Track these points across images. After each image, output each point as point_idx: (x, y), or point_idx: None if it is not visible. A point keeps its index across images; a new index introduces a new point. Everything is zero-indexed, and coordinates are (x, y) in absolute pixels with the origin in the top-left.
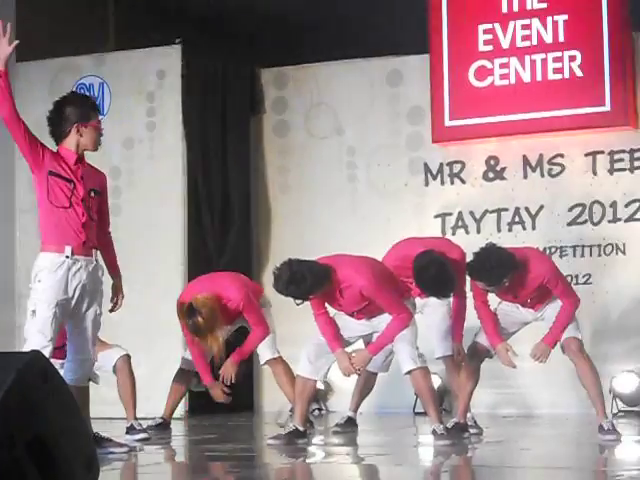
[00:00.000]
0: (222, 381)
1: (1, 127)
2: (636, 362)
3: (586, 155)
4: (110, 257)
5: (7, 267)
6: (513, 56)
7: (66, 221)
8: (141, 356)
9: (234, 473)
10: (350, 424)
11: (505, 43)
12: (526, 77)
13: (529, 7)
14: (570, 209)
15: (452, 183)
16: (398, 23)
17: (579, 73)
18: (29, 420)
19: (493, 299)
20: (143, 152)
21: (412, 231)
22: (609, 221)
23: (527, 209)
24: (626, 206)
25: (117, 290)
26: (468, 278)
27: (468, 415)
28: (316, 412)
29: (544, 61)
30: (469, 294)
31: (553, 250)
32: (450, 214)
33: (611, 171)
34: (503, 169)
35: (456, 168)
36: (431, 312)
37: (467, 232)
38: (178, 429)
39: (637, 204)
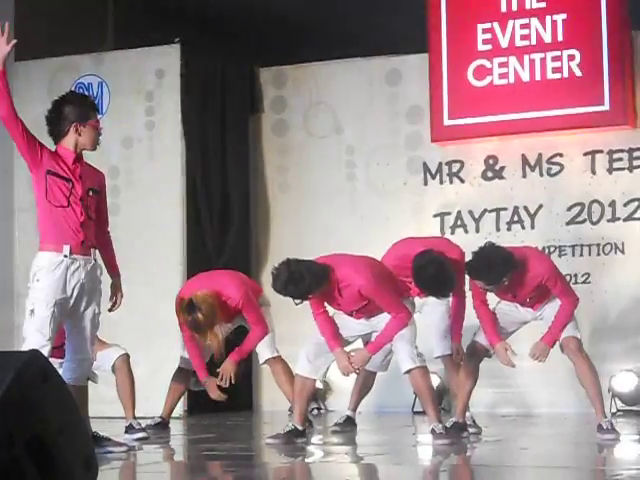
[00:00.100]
0: (221, 379)
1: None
2: (635, 361)
3: (585, 154)
4: (109, 256)
5: (6, 266)
6: (512, 55)
7: (64, 220)
8: (140, 355)
9: (233, 472)
10: (349, 423)
11: (504, 42)
12: (525, 76)
13: (528, 6)
14: (569, 208)
15: (451, 182)
16: (397, 22)
17: (578, 72)
18: (28, 419)
19: (492, 298)
20: (142, 151)
21: (411, 230)
22: (608, 220)
23: (526, 208)
24: (625, 205)
25: (116, 289)
26: (467, 277)
27: (467, 414)
28: (315, 411)
29: (543, 60)
30: (468, 293)
31: (552, 249)
32: (449, 213)
33: (610, 170)
34: (502, 168)
35: (455, 167)
36: (430, 311)
37: (466, 231)
38: (177, 428)
39: (636, 203)
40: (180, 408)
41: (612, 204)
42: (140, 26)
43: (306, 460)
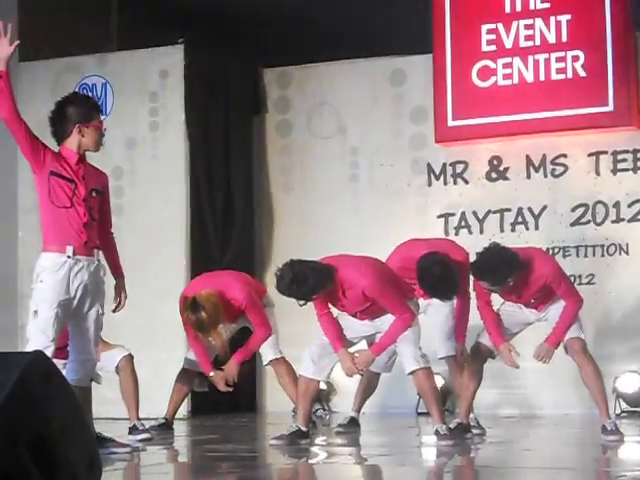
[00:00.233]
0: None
1: (3, 127)
2: (639, 362)
3: (589, 155)
4: (113, 257)
5: (10, 267)
6: (516, 56)
7: (67, 221)
8: (143, 356)
9: (236, 473)
10: (353, 424)
11: (508, 43)
12: (529, 77)
13: (532, 7)
14: (573, 209)
15: (455, 183)
16: (401, 23)
17: (582, 73)
18: (32, 420)
19: (496, 299)
20: (146, 152)
21: (415, 231)
22: (612, 221)
23: (530, 209)
24: (629, 206)
25: (120, 290)
26: (471, 279)
27: (471, 416)
28: (319, 412)
29: (547, 61)
30: (472, 295)
31: (556, 250)
32: (453, 214)
33: (614, 171)
34: (506, 169)
35: (459, 168)
36: (434, 313)
37: (470, 232)
38: (180, 429)
39: None
40: (184, 409)
41: (616, 205)
42: (144, 27)
43: (310, 461)
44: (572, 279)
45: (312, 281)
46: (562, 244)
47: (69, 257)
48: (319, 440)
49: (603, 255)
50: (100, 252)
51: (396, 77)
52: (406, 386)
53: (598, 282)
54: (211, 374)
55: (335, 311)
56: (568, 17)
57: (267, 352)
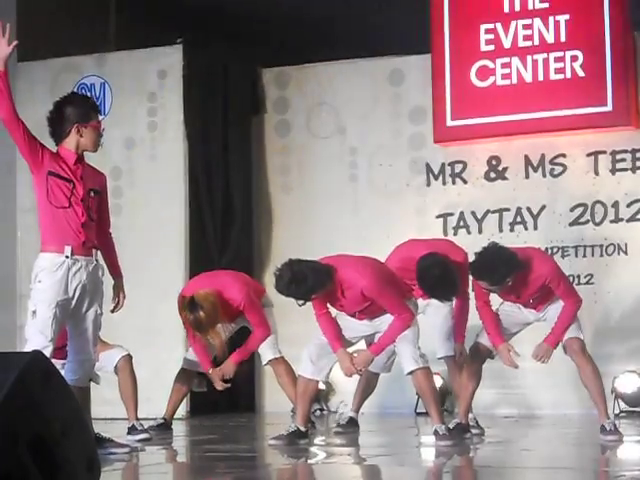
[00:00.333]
0: (221, 379)
1: (1, 127)
2: (638, 362)
3: (588, 155)
4: (111, 257)
5: (8, 267)
6: (515, 56)
7: (66, 221)
8: (142, 356)
9: (235, 473)
10: (352, 424)
11: (507, 43)
12: (528, 77)
13: (531, 7)
14: (572, 209)
15: (454, 183)
16: (400, 23)
17: (581, 73)
18: (31, 420)
19: (495, 299)
20: (144, 152)
21: (413, 231)
22: (611, 221)
23: (529, 209)
24: (628, 206)
25: (118, 290)
26: (470, 279)
27: (470, 416)
28: (317, 412)
29: (546, 61)
30: (471, 295)
31: (555, 250)
32: (452, 214)
33: (613, 171)
34: (505, 169)
35: (458, 168)
36: (433, 313)
37: (469, 232)
38: (179, 429)
39: (639, 204)
40: (182, 409)
41: (615, 205)
42: (142, 27)
43: (309, 461)
44: (571, 279)
45: (311, 281)
46: (561, 244)
47: (67, 257)
48: (318, 440)
49: (602, 255)
50: (98, 252)
51: (395, 77)
52: (405, 386)
53: (597, 282)
54: (209, 371)
55: (334, 311)
56: (567, 17)
57: (266, 352)
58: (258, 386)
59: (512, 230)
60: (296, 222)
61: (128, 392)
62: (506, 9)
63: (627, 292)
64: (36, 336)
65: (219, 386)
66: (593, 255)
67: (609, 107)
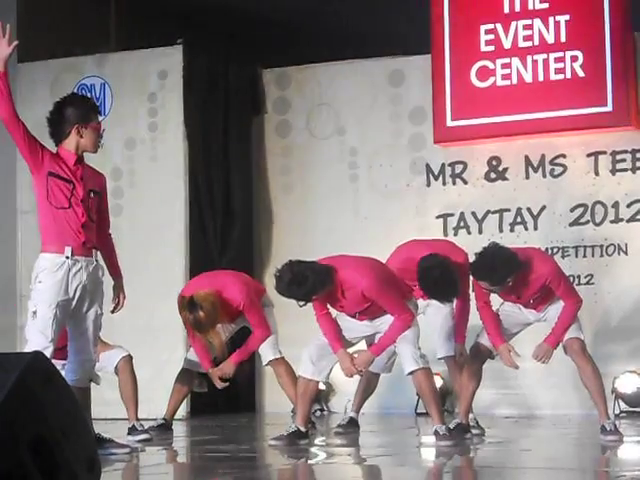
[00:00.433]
0: (220, 379)
1: (1, 128)
2: (638, 363)
3: (588, 155)
4: (111, 258)
5: (9, 268)
6: (515, 56)
7: (66, 222)
8: (142, 357)
9: (235, 474)
10: (352, 425)
11: (507, 43)
12: (528, 77)
13: (531, 7)
14: (572, 209)
15: (454, 184)
16: (400, 23)
17: (581, 73)
18: (31, 420)
19: (495, 300)
20: (145, 153)
21: (414, 232)
22: (611, 221)
23: (529, 209)
24: (628, 206)
25: (118, 291)
26: (471, 279)
27: (470, 416)
28: (318, 412)
29: (546, 61)
30: (472, 295)
31: (555, 250)
32: (452, 215)
33: (613, 171)
34: (505, 169)
35: (458, 169)
36: (434, 313)
37: (469, 232)
38: (180, 430)
39: (639, 204)
40: (183, 409)
41: (615, 205)
42: (142, 27)
43: (309, 462)
44: (571, 279)
45: (311, 282)
46: (561, 244)
47: (68, 258)
48: (318, 440)
49: (602, 255)
50: (98, 253)
51: (395, 78)
52: (405, 386)
53: (597, 282)
54: (209, 370)
55: (334, 311)
56: (567, 17)
57: (266, 352)
58: (258, 386)
59: (512, 230)
60: (296, 222)
61: (128, 392)
62: (506, 9)
63: (627, 292)
64: (36, 336)
65: (218, 385)
66: (593, 255)
67: (609, 107)
